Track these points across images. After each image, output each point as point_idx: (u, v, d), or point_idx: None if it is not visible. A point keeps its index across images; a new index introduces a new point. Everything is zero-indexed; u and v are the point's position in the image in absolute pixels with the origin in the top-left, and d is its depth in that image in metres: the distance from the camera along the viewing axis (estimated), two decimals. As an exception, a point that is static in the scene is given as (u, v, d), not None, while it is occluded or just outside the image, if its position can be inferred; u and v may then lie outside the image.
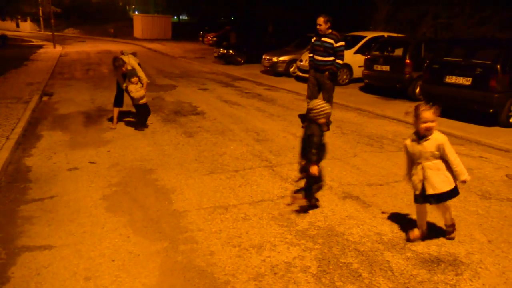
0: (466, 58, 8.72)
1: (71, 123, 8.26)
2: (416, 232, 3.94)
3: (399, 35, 14.76)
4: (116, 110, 8.08)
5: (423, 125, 3.58)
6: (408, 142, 3.85)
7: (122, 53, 7.94)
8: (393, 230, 4.14)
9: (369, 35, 14.55)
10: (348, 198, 4.88)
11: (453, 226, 3.98)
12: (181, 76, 15.73)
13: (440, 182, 3.67)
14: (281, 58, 15.89)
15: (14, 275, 3.36)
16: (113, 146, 6.76)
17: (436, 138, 3.62)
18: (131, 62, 7.81)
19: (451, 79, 8.77)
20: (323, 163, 4.47)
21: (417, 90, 10.78)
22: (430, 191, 3.70)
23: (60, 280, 3.29)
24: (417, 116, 3.60)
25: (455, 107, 9.23)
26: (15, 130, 7.25)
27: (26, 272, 3.39)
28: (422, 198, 3.79)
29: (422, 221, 3.98)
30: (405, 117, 3.87)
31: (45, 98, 10.90)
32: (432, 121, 3.56)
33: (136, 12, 61.84)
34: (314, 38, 7.78)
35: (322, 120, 4.30)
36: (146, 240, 3.91)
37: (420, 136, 3.68)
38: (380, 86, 12.06)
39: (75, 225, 4.18)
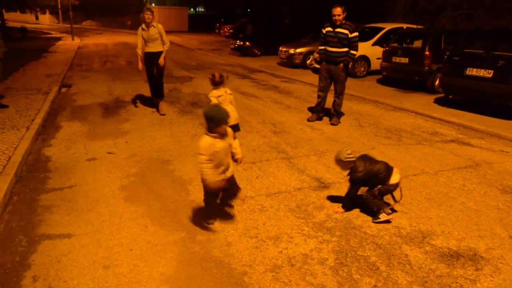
0: (488, 50, 8.52)
1: (89, 114, 8.35)
2: None
3: (418, 26, 14.52)
4: (156, 100, 8.53)
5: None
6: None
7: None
8: (411, 224, 4.09)
9: (388, 26, 14.33)
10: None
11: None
12: (197, 68, 15.75)
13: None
14: (298, 50, 15.78)
15: (35, 262, 3.42)
16: (131, 137, 6.81)
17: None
18: (159, 27, 8.01)
19: (472, 72, 8.59)
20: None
21: (437, 82, 10.60)
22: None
23: (80, 268, 3.34)
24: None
25: (475, 100, 9.07)
26: (35, 121, 7.36)
27: (46, 260, 3.45)
28: None
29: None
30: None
31: (63, 90, 11.03)
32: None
33: (153, 4, 62.04)
34: (327, 29, 7.51)
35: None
36: (163, 230, 3.94)
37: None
38: (399, 79, 11.88)
39: (94, 214, 4.23)
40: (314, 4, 24.95)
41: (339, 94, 7.76)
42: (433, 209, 4.41)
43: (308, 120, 7.91)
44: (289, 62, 16.00)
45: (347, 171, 4.23)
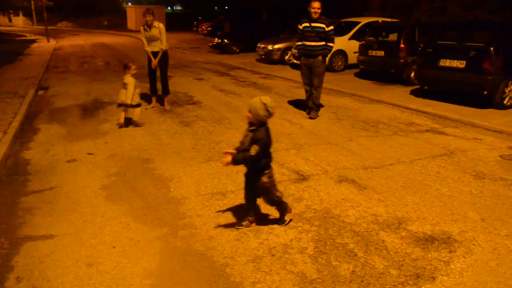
0: (460, 41, 8.74)
1: (67, 116, 8.29)
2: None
3: (393, 20, 14.74)
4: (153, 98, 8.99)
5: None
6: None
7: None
8: (388, 211, 4.22)
9: (364, 20, 14.53)
10: (344, 182, 4.95)
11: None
12: (176, 67, 15.69)
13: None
14: (276, 46, 15.89)
15: (18, 264, 3.43)
16: (111, 137, 6.80)
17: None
18: (160, 27, 8.31)
19: (445, 63, 8.80)
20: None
21: (412, 74, 10.81)
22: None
23: (63, 267, 3.36)
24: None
25: (449, 90, 9.29)
26: (12, 124, 7.28)
27: (29, 261, 3.46)
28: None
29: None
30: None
31: (40, 92, 10.90)
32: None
33: (129, 3, 61.45)
34: (304, 24, 7.67)
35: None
36: (146, 227, 3.98)
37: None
38: (375, 72, 12.09)
39: (75, 214, 4.24)
40: (291, 0, 25.07)
41: (316, 87, 7.87)
42: (409, 196, 4.55)
43: (311, 118, 7.87)
44: (268, 59, 16.09)
45: (254, 120, 3.68)
